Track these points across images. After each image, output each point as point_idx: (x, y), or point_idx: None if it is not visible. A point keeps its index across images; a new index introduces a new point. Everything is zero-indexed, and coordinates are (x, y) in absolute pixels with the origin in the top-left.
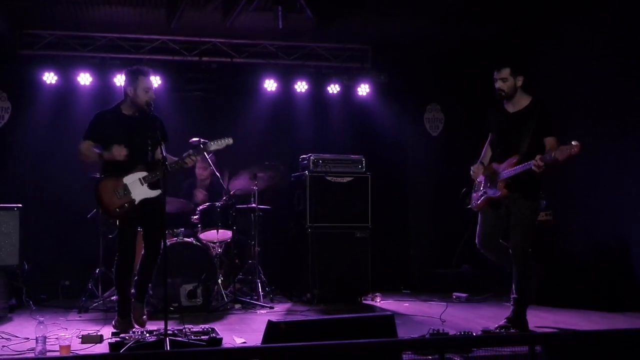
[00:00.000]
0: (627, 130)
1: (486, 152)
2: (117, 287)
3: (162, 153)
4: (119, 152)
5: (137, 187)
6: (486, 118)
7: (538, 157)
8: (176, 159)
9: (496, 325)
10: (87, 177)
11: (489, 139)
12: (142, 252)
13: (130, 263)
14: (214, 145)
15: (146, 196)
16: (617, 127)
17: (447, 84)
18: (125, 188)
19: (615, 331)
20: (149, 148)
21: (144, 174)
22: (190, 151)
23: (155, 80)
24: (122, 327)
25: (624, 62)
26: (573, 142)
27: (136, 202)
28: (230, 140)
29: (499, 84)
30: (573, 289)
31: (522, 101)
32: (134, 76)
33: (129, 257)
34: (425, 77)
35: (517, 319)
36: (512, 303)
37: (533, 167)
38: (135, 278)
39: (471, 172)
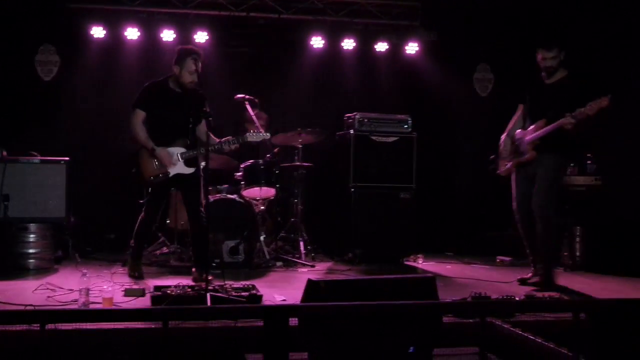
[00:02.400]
0: None
1: (514, 125)
2: (135, 236)
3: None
4: (166, 159)
5: (175, 161)
6: (520, 89)
7: (567, 114)
8: (217, 140)
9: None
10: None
11: (518, 111)
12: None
13: (150, 225)
14: (250, 137)
15: (180, 172)
16: None
17: (498, 44)
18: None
19: None
20: (190, 125)
21: (182, 150)
22: (230, 138)
23: (202, 36)
24: (133, 270)
25: None
26: (601, 97)
27: (170, 175)
28: (268, 135)
29: (549, 62)
30: (621, 256)
31: (559, 73)
32: (182, 56)
33: (150, 220)
34: (475, 35)
35: (545, 277)
36: (538, 261)
37: (563, 124)
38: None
39: (500, 146)
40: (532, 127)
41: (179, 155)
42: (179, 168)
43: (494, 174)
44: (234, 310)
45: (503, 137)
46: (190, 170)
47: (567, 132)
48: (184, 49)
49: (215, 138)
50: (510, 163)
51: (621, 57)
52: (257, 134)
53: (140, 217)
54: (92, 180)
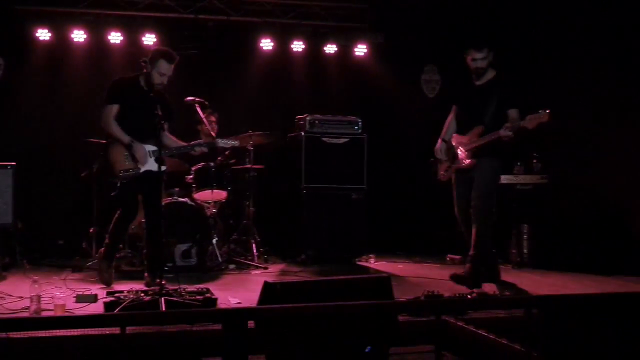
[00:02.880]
0: (625, 91)
1: (448, 128)
2: (110, 235)
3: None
4: (142, 154)
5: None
6: (452, 90)
7: (506, 125)
8: (184, 143)
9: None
10: (81, 140)
11: (452, 112)
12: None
13: (126, 223)
14: (221, 143)
15: (151, 168)
16: (615, 89)
17: (444, 45)
18: (134, 156)
19: (611, 295)
20: (159, 125)
21: (154, 148)
22: (201, 142)
23: (150, 38)
24: (104, 272)
25: (620, 20)
26: (541, 111)
27: (140, 171)
28: (237, 142)
29: (479, 63)
30: (567, 252)
31: (489, 74)
32: (156, 57)
33: (131, 213)
34: (422, 37)
35: (471, 276)
36: (468, 260)
37: (502, 135)
38: (144, 250)
39: (435, 153)
40: (469, 134)
41: (150, 152)
42: (150, 165)
43: (434, 178)
44: (194, 314)
45: (439, 142)
46: (161, 167)
47: (504, 141)
48: (160, 50)
49: (179, 141)
50: (450, 170)
51: (564, 56)
52: (228, 141)
53: (115, 216)
54: (40, 185)
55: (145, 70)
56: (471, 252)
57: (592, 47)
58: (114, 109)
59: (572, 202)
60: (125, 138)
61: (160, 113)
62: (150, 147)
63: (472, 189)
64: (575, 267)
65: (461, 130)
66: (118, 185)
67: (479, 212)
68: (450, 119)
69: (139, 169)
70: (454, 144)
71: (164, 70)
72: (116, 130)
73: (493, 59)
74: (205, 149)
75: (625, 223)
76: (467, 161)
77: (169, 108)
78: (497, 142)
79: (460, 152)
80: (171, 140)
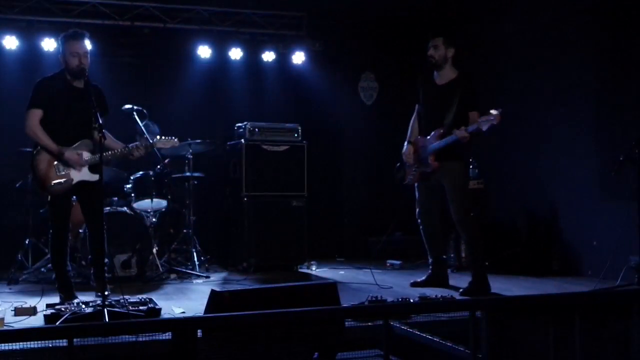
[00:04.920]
0: (557, 99)
1: (413, 129)
2: (52, 264)
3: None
4: (76, 160)
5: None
6: (416, 88)
7: (462, 128)
8: (122, 145)
9: (460, 290)
10: (16, 150)
11: (415, 112)
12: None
13: (64, 239)
14: (160, 143)
15: (85, 179)
16: (548, 96)
17: (381, 53)
18: (66, 165)
19: (552, 295)
20: (94, 125)
21: (88, 154)
22: (138, 143)
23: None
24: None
25: (557, 33)
26: (492, 111)
27: (73, 182)
28: (176, 142)
29: (430, 51)
30: (502, 255)
31: (450, 74)
32: (63, 41)
33: (61, 233)
34: (359, 45)
35: (479, 283)
36: (430, 266)
37: (459, 138)
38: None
39: (404, 157)
40: (430, 136)
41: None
42: (83, 174)
43: (401, 183)
44: (143, 324)
45: (405, 145)
46: (96, 177)
47: (463, 143)
48: (64, 33)
49: (118, 143)
50: (416, 174)
51: (502, 58)
52: (167, 141)
53: (49, 240)
54: None
55: (61, 61)
56: (471, 261)
57: (530, 51)
58: (37, 114)
59: (507, 206)
60: (54, 147)
61: (95, 107)
62: (85, 154)
63: (448, 199)
64: (511, 270)
65: (423, 131)
66: (49, 199)
67: (462, 221)
68: (413, 122)
69: (72, 179)
70: (419, 146)
71: (75, 49)
72: (44, 139)
73: (454, 56)
74: (143, 152)
75: (556, 226)
76: (433, 165)
77: (102, 103)
78: (457, 145)
79: (424, 154)
80: (110, 139)
